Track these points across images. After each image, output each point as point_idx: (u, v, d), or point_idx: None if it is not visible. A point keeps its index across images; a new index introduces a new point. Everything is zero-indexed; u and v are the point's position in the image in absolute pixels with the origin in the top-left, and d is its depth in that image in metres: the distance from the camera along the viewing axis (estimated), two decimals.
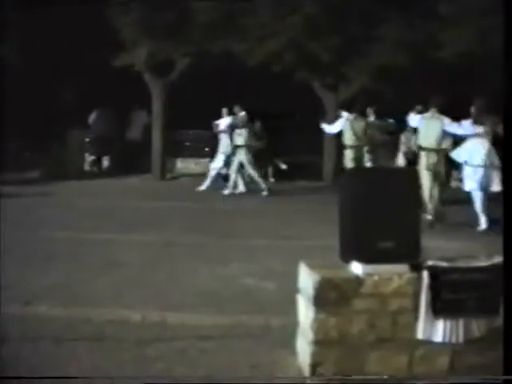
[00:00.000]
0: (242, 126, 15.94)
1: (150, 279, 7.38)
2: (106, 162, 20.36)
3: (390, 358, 4.63)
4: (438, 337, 4.61)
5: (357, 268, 4.62)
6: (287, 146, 18.64)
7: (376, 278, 4.56)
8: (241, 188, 15.86)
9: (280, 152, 18.66)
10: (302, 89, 19.11)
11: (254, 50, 17.49)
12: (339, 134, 15.07)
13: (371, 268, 4.58)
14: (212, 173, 16.76)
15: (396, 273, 4.60)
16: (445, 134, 11.22)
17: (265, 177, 18.81)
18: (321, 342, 4.61)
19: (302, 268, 4.88)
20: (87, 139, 20.07)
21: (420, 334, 4.62)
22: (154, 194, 14.90)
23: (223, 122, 16.79)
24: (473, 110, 11.13)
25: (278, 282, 7.00)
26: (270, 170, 18.80)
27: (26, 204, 12.91)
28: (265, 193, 15.29)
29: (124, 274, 7.60)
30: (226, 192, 15.39)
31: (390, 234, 4.61)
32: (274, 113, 20.23)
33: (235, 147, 15.90)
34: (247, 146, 15.78)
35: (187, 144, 20.35)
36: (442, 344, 4.62)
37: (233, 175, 15.82)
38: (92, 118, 18.87)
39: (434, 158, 11.25)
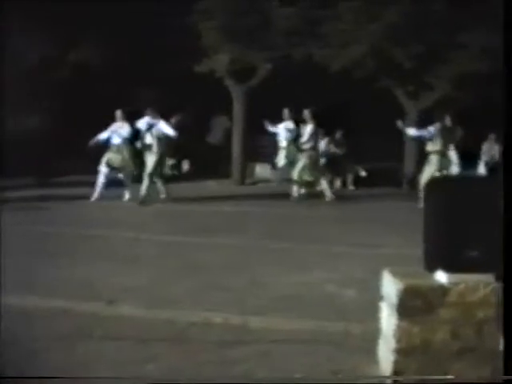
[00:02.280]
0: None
1: (230, 282, 7.43)
2: (185, 166, 20.57)
3: (473, 368, 4.57)
4: None
5: (442, 277, 4.57)
6: (367, 153, 18.54)
7: (462, 286, 4.52)
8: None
9: (360, 159, 18.58)
10: (383, 95, 19.02)
11: (336, 56, 17.48)
12: (422, 141, 14.93)
13: (457, 277, 4.53)
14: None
15: (482, 282, 4.54)
16: None
17: (344, 184, 18.81)
18: (403, 351, 4.57)
19: (385, 275, 4.86)
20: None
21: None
22: (234, 199, 14.99)
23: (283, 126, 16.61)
24: None
25: (359, 289, 6.98)
26: (350, 177, 18.75)
27: (104, 206, 13.19)
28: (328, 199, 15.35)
29: (205, 277, 7.68)
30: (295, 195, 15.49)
31: (475, 243, 4.55)
32: (355, 119, 20.16)
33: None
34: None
35: (266, 149, 20.45)
36: None
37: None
38: (173, 121, 19.10)
39: None
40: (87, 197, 14.22)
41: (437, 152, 14.46)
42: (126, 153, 14.79)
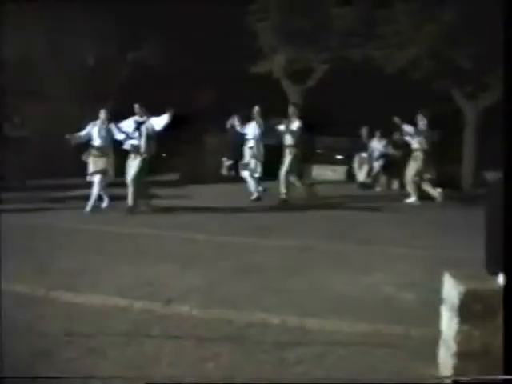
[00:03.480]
0: None
1: (288, 284, 7.44)
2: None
3: None
4: None
5: (503, 280, 4.51)
6: None
7: None
8: None
9: None
10: (440, 97, 18.84)
11: (393, 57, 17.37)
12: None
13: None
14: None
15: None
16: None
17: (402, 186, 18.66)
18: (463, 354, 4.53)
19: (446, 278, 4.81)
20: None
21: None
22: (292, 200, 14.95)
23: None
24: None
25: (418, 292, 6.93)
26: None
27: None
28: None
29: (262, 278, 7.70)
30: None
31: None
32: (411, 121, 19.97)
33: None
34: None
35: (322, 151, 20.42)
36: None
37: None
38: (230, 122, 19.18)
39: None
40: None
41: (423, 150, 15.12)
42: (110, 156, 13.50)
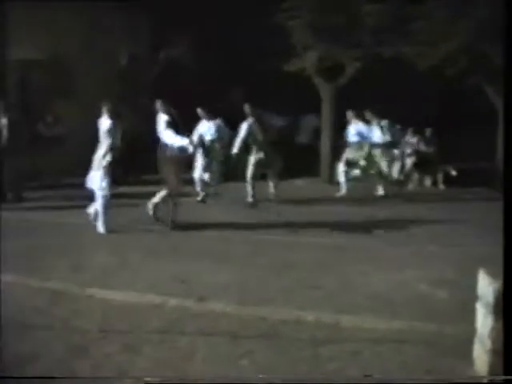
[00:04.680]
0: None
1: (322, 281, 7.44)
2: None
3: None
4: None
5: None
6: (459, 152, 18.22)
7: None
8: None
9: (451, 158, 18.28)
10: (473, 94, 18.71)
11: (425, 54, 17.25)
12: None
13: None
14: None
15: None
16: None
17: (435, 183, 18.57)
18: (498, 352, 4.51)
19: (481, 275, 4.79)
20: None
21: None
22: (323, 198, 14.94)
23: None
24: None
25: (451, 289, 6.91)
26: (441, 177, 18.49)
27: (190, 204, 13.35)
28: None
29: (295, 275, 7.72)
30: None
31: None
32: (444, 118, 19.91)
33: None
34: None
35: None
36: None
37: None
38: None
39: None
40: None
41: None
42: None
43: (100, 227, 10.46)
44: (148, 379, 4.70)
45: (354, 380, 4.74)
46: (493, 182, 17.54)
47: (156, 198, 10.89)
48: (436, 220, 11.97)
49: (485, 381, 4.59)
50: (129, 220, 11.24)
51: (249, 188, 13.72)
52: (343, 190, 15.63)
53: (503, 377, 4.31)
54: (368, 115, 16.30)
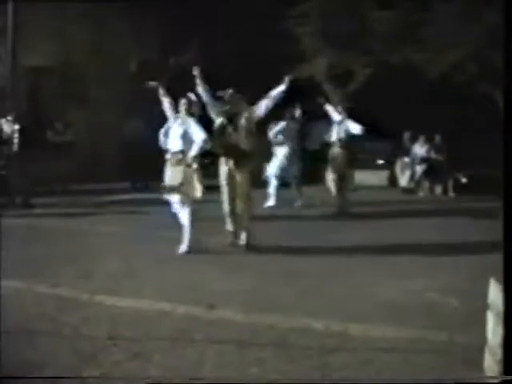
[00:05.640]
0: None
1: (331, 289, 7.41)
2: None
3: None
4: None
5: None
6: (469, 159, 18.17)
7: None
8: None
9: (462, 165, 18.23)
10: (483, 101, 18.67)
11: (435, 61, 17.26)
12: None
13: None
14: None
15: None
16: None
17: (445, 191, 18.53)
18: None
19: (492, 284, 4.75)
20: None
21: None
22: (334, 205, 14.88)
23: None
24: None
25: (462, 298, 6.86)
26: (450, 184, 18.46)
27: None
28: None
29: (304, 283, 7.69)
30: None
31: None
32: (455, 125, 19.86)
33: None
34: None
35: (363, 155, 20.30)
36: None
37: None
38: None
39: None
40: None
41: None
42: None
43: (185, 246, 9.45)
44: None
45: None
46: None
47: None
48: (440, 227, 11.95)
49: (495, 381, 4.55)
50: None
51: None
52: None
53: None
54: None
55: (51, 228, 11.46)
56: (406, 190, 18.96)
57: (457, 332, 5.75)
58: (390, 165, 20.35)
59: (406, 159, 19.55)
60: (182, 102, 9.58)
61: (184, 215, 9.40)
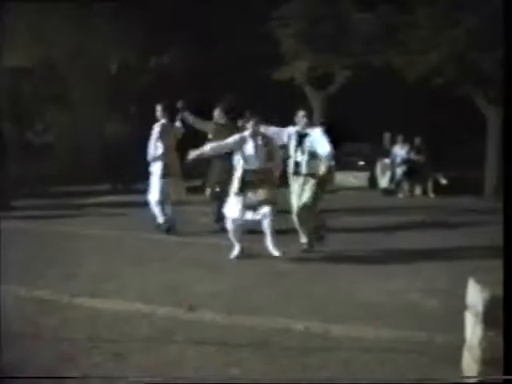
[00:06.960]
0: None
1: (311, 290, 7.44)
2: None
3: None
4: None
5: None
6: (448, 161, 18.29)
7: None
8: None
9: (441, 166, 18.33)
10: (462, 103, 18.76)
11: (415, 63, 17.32)
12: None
13: None
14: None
15: None
16: None
17: (424, 192, 18.61)
18: (488, 361, 4.49)
19: (471, 284, 4.78)
20: None
21: None
22: None
23: None
24: None
25: (442, 298, 6.91)
26: (430, 185, 18.54)
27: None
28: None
29: (285, 284, 7.71)
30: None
31: None
32: (434, 127, 19.99)
33: None
34: None
35: (345, 157, 20.37)
36: None
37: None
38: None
39: None
40: None
41: None
42: None
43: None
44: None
45: None
46: (480, 190, 17.60)
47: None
48: (425, 229, 11.99)
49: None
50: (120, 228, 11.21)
51: None
52: None
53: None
54: None
55: (32, 230, 11.41)
56: (386, 192, 19.03)
57: (436, 332, 5.78)
58: (370, 166, 20.41)
59: (387, 160, 19.63)
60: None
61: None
